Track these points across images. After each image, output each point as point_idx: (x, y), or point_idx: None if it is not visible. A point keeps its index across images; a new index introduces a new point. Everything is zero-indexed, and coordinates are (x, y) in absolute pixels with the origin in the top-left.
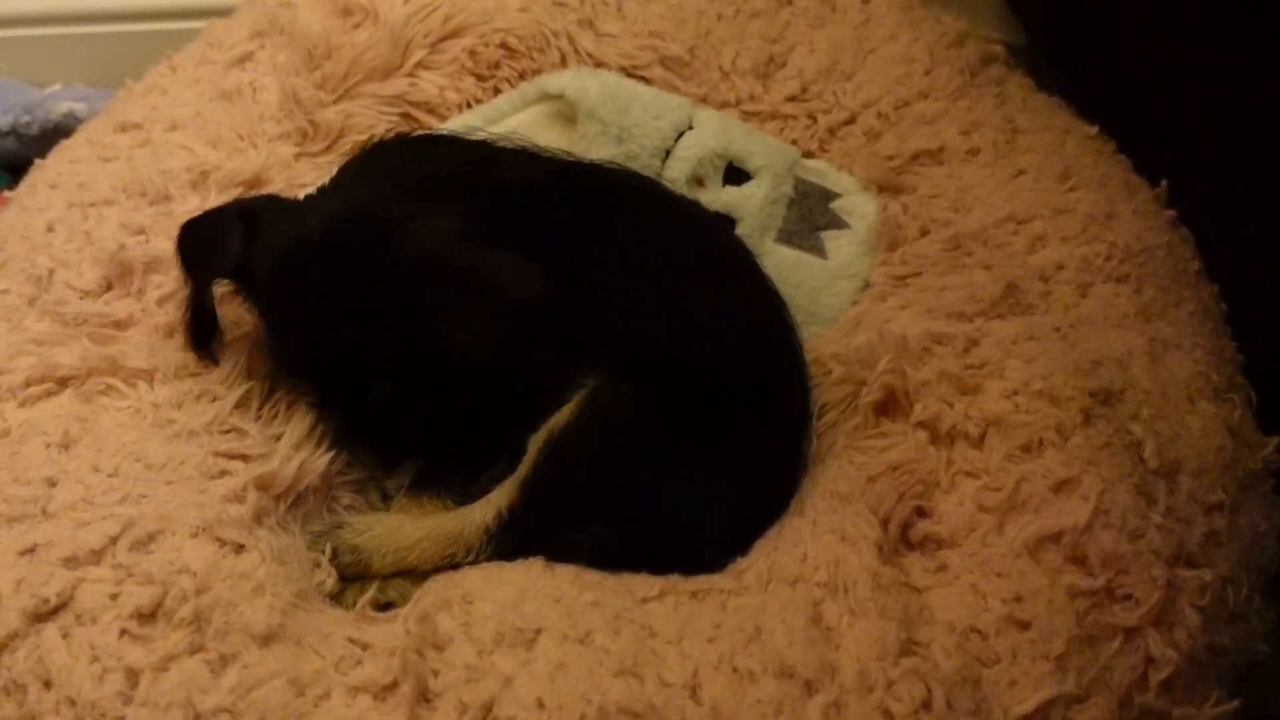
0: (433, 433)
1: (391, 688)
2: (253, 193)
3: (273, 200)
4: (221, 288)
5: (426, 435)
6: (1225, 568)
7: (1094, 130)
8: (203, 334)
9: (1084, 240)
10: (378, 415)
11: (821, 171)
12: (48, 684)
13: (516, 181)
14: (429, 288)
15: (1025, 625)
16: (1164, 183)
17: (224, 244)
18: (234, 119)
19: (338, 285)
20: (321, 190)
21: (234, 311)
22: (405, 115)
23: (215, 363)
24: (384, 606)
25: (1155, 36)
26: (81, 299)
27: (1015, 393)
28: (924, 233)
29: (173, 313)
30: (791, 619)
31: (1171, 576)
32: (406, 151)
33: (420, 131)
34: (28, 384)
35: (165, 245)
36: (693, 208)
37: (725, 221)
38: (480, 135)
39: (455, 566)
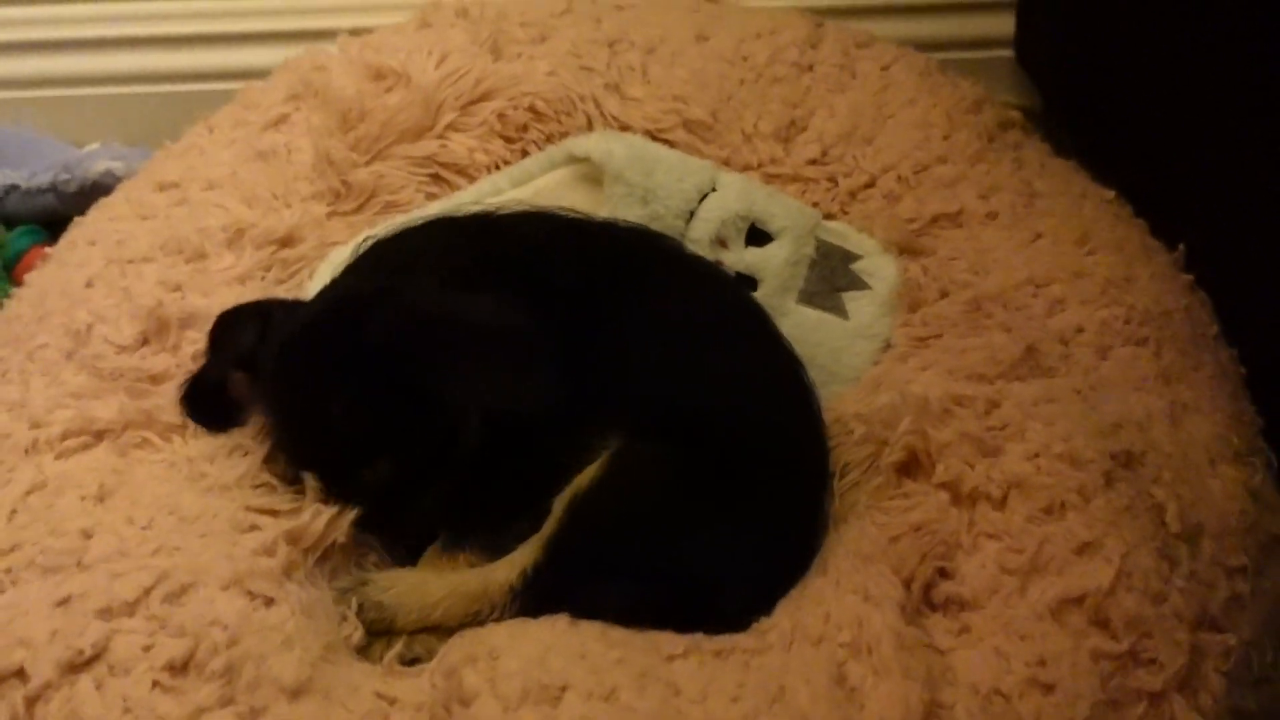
0: (450, 509)
1: None
2: (285, 250)
3: (285, 302)
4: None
5: (444, 513)
6: (1249, 632)
7: (1111, 194)
8: (201, 406)
9: (1103, 303)
10: (387, 500)
11: (842, 233)
12: None
13: (526, 245)
14: (411, 350)
15: (1049, 688)
16: (1181, 246)
17: (239, 338)
18: (269, 179)
19: (322, 371)
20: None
21: None
22: (435, 176)
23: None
24: (410, 662)
25: (1171, 100)
26: (118, 354)
27: (1036, 454)
28: (944, 294)
29: None
30: (815, 679)
31: (1195, 640)
32: (397, 239)
33: (420, 217)
34: (65, 437)
35: (201, 301)
36: (709, 268)
37: (743, 283)
38: (477, 208)
39: (481, 623)
